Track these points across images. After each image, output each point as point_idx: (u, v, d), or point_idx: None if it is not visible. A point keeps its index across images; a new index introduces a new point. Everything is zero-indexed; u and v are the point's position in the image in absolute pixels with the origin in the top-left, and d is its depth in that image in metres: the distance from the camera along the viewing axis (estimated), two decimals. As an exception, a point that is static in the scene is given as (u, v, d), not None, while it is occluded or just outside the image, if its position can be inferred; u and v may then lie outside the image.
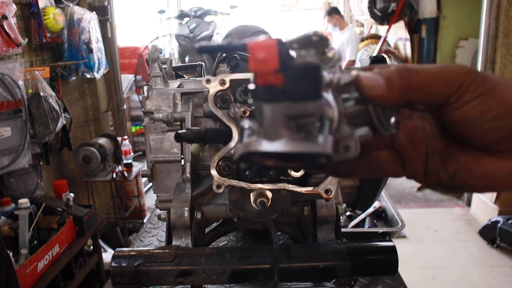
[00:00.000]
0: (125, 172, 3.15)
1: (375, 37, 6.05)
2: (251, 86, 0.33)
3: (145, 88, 0.89)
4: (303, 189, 0.64)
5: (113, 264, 0.66)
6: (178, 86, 0.86)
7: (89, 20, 2.87)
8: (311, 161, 0.32)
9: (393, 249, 0.68)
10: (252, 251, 0.68)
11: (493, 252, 3.12)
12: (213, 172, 0.62)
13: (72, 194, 2.48)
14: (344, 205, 0.84)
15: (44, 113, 2.32)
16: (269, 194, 0.65)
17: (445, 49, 4.98)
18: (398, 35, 5.66)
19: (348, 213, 1.54)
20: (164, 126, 0.81)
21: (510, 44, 3.48)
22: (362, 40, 6.01)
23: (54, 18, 2.53)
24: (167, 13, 5.32)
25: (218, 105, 0.63)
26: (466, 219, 3.69)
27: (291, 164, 0.49)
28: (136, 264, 0.66)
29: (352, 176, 0.60)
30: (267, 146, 0.31)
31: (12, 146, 2.12)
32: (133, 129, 5.71)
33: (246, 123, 0.35)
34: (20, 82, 2.12)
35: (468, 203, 3.91)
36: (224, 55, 0.91)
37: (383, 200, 1.48)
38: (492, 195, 3.35)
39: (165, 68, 0.93)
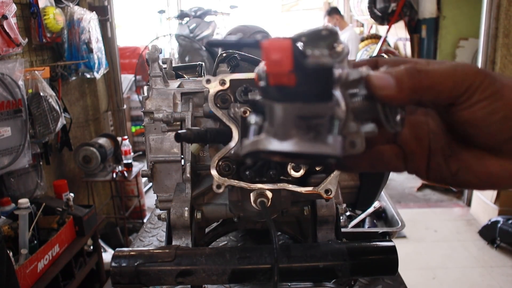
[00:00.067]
0: (125, 172, 3.15)
1: (375, 37, 6.05)
2: (262, 84, 0.33)
3: (145, 88, 0.89)
4: (303, 189, 0.64)
5: (113, 264, 0.66)
6: (178, 86, 0.86)
7: (89, 20, 2.87)
8: (319, 161, 0.32)
9: (393, 249, 0.68)
10: (252, 251, 0.67)
11: (493, 252, 3.12)
12: (213, 172, 0.62)
13: (72, 194, 2.49)
14: (344, 205, 0.84)
15: (44, 113, 2.32)
16: (269, 194, 0.65)
17: (445, 49, 4.98)
18: (398, 35, 5.66)
19: (348, 213, 1.54)
20: (164, 126, 0.81)
21: (510, 44, 3.48)
22: (362, 40, 6.01)
23: (54, 18, 2.53)
24: (167, 13, 5.32)
25: (218, 105, 0.63)
26: (466, 219, 3.69)
27: (297, 161, 0.49)
28: (136, 264, 0.66)
29: (354, 170, 0.60)
30: (277, 145, 0.31)
31: (12, 146, 2.12)
32: (133, 129, 5.71)
33: (252, 118, 0.35)
34: (20, 82, 2.12)
35: (468, 203, 3.91)
36: (224, 55, 0.91)
37: (383, 200, 1.48)
38: (492, 195, 3.35)
39: (165, 68, 0.93)
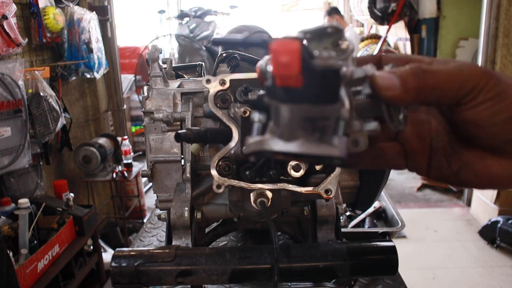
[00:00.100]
0: (125, 172, 3.15)
1: (375, 37, 6.05)
2: (268, 84, 0.33)
3: (145, 88, 0.89)
4: (303, 189, 0.64)
5: (113, 264, 0.66)
6: (178, 86, 0.86)
7: (89, 20, 2.87)
8: (324, 162, 0.32)
9: (393, 249, 0.68)
10: (252, 251, 0.67)
11: (493, 252, 3.12)
12: (213, 172, 0.62)
13: (72, 194, 2.49)
14: (344, 205, 0.84)
15: (44, 113, 2.32)
16: (269, 194, 0.65)
17: (445, 49, 4.98)
18: (398, 35, 5.66)
19: (348, 213, 1.54)
20: (164, 126, 0.81)
21: (510, 44, 3.48)
22: (362, 40, 6.00)
23: (54, 18, 2.53)
24: (167, 13, 5.32)
25: (218, 105, 0.63)
26: (466, 219, 3.69)
27: (301, 160, 0.49)
28: (136, 264, 0.66)
29: (355, 167, 0.60)
30: (282, 146, 0.31)
31: (12, 146, 2.12)
32: (133, 129, 5.71)
33: (256, 116, 0.35)
34: (20, 82, 2.12)
35: (468, 203, 3.91)
36: (224, 55, 0.91)
37: (383, 200, 1.48)
38: (492, 195, 3.35)
39: (165, 68, 0.93)
